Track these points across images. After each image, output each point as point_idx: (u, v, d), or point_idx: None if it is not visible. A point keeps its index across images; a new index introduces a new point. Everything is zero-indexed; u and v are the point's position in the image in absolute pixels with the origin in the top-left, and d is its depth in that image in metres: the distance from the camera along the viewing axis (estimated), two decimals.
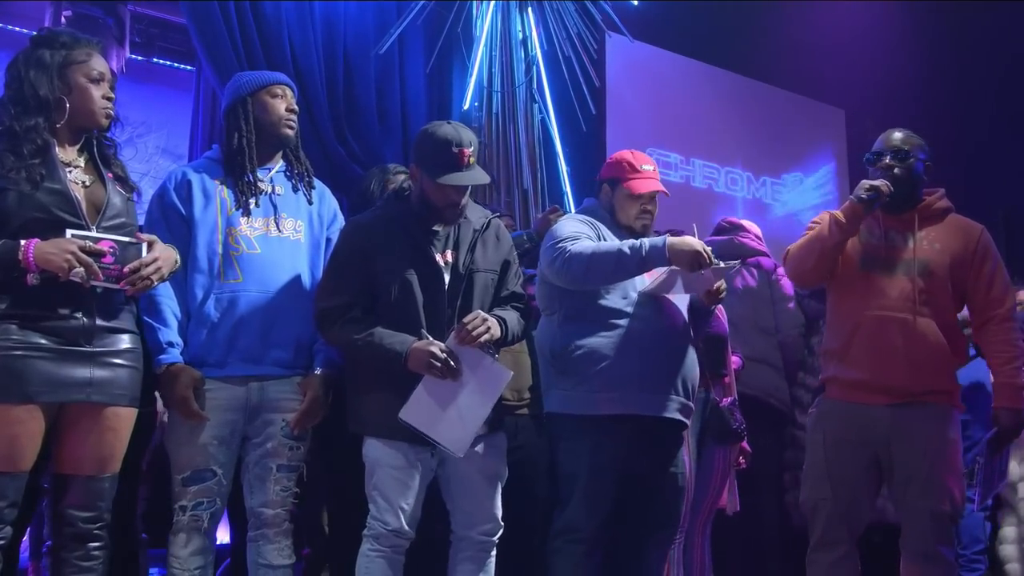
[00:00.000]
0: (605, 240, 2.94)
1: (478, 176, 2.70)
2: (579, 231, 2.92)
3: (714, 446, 3.50)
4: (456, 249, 2.74)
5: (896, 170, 2.91)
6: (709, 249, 2.72)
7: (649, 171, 3.02)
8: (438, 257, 2.70)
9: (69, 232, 2.22)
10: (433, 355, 2.55)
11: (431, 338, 2.59)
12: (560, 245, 2.84)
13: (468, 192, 2.75)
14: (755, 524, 4.04)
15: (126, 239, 2.32)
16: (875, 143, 3.01)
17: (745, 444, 3.62)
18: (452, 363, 2.56)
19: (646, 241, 2.78)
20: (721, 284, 2.95)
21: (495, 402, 2.67)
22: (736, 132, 7.94)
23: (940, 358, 2.85)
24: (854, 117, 8.64)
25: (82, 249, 2.20)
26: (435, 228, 2.75)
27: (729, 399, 3.58)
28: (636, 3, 6.58)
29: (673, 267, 2.76)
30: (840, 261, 2.97)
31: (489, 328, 2.61)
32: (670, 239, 2.75)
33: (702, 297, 2.99)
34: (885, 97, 8.33)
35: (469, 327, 2.58)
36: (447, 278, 2.70)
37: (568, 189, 6.21)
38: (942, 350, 2.84)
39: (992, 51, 8.20)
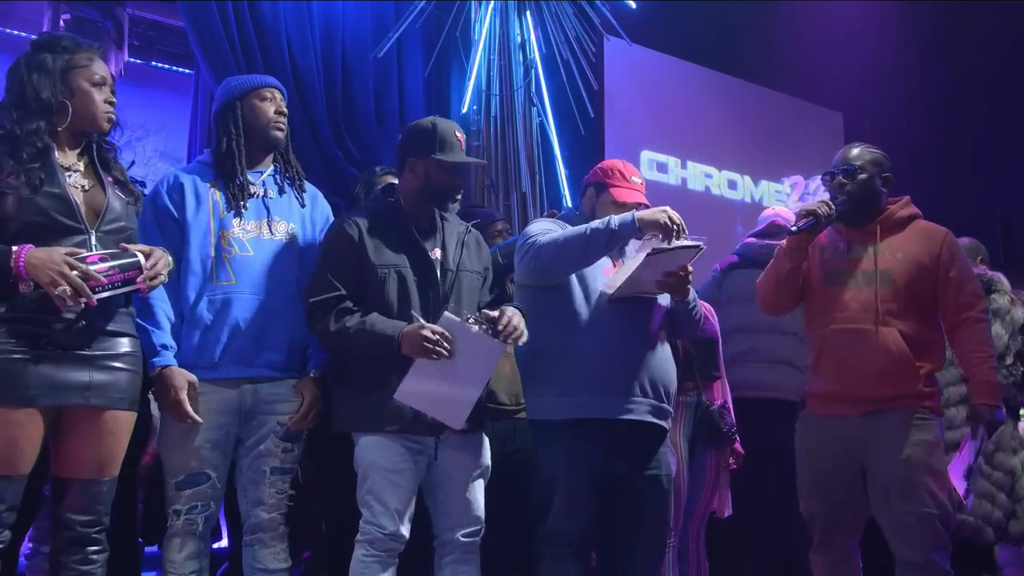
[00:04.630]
0: None
1: (476, 159, 2.82)
2: (548, 228, 2.94)
3: (706, 449, 3.49)
4: (443, 248, 2.78)
5: (847, 187, 2.99)
6: (680, 219, 2.73)
7: (637, 184, 3.03)
8: (429, 253, 2.74)
9: (63, 250, 2.20)
10: (425, 337, 2.55)
11: (423, 320, 2.60)
12: (529, 241, 2.88)
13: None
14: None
15: (114, 251, 2.30)
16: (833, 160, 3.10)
17: (737, 446, 3.60)
18: (445, 344, 2.56)
19: (614, 216, 2.79)
20: (688, 267, 2.86)
21: (491, 376, 2.71)
22: (734, 135, 7.96)
23: (905, 365, 2.87)
24: (852, 120, 8.67)
25: (71, 268, 2.17)
26: (422, 226, 2.78)
27: (720, 401, 3.57)
28: (634, 6, 6.60)
29: (647, 238, 2.73)
30: (807, 281, 3.06)
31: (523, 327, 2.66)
32: (638, 212, 2.76)
33: (670, 288, 2.89)
34: (882, 100, 8.35)
35: (510, 328, 2.60)
36: (438, 273, 2.73)
37: (566, 192, 6.23)
38: (906, 357, 2.87)
39: (989, 54, 8.22)
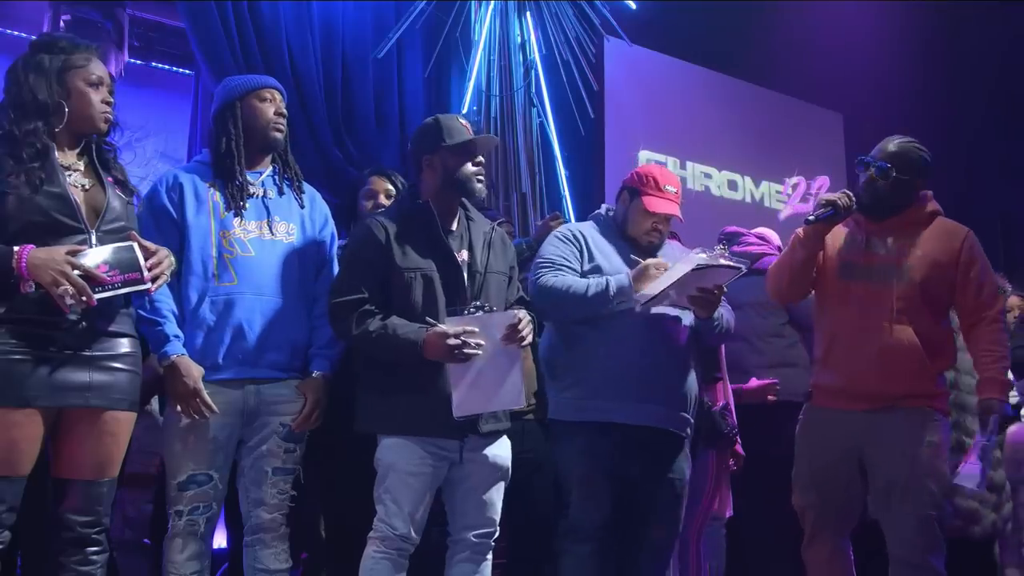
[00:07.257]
0: (591, 254, 2.98)
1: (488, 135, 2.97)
2: (557, 255, 2.96)
3: (706, 450, 3.49)
4: (470, 250, 2.77)
5: (878, 183, 2.91)
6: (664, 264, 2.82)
7: (671, 193, 3.00)
8: (456, 256, 2.72)
9: (64, 250, 2.20)
10: (451, 342, 2.52)
11: (440, 325, 2.58)
12: (539, 271, 2.93)
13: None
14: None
15: (115, 244, 2.30)
16: (873, 149, 3.01)
17: (739, 447, 3.59)
18: (472, 340, 2.54)
19: (612, 281, 2.84)
20: (723, 286, 2.89)
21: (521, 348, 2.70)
22: (734, 136, 7.95)
23: (916, 363, 2.85)
24: (852, 121, 8.66)
25: (73, 267, 2.17)
26: (450, 228, 2.77)
27: (722, 403, 3.56)
28: (634, 6, 6.60)
29: (695, 252, 2.74)
30: (821, 271, 3.01)
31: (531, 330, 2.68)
32: (633, 273, 2.84)
33: (700, 303, 2.90)
34: (883, 101, 8.34)
35: (520, 328, 2.61)
36: (465, 276, 2.72)
37: (566, 193, 6.23)
38: (918, 355, 2.84)
39: (989, 55, 8.23)
